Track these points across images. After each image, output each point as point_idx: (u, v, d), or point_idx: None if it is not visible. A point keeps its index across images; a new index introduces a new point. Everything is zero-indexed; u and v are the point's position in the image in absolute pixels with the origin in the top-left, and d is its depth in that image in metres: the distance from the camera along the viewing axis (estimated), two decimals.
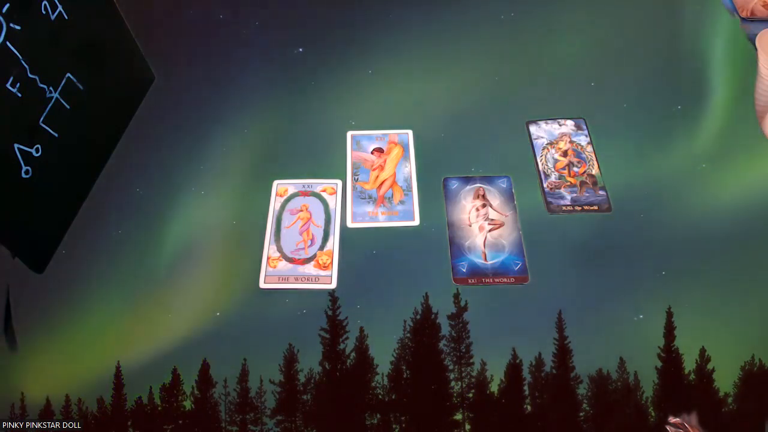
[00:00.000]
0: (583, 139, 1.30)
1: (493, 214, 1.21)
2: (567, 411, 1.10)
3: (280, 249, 1.18)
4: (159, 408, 1.12)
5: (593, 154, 1.28)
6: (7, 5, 0.95)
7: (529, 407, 1.11)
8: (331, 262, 1.15)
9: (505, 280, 1.13)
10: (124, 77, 1.31)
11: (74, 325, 1.17)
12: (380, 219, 1.20)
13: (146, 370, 1.14)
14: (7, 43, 0.95)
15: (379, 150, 1.30)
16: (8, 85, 0.97)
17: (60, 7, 1.07)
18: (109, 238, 1.24)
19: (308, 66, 1.46)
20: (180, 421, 1.12)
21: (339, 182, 1.27)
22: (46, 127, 1.07)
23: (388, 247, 1.20)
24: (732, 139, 1.30)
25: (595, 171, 1.25)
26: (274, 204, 1.24)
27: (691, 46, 1.45)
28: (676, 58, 1.43)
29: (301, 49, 1.48)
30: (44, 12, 1.04)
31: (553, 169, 1.26)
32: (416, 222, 1.20)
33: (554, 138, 1.31)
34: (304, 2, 1.58)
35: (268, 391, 1.12)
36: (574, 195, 1.22)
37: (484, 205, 1.22)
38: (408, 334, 1.14)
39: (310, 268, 1.15)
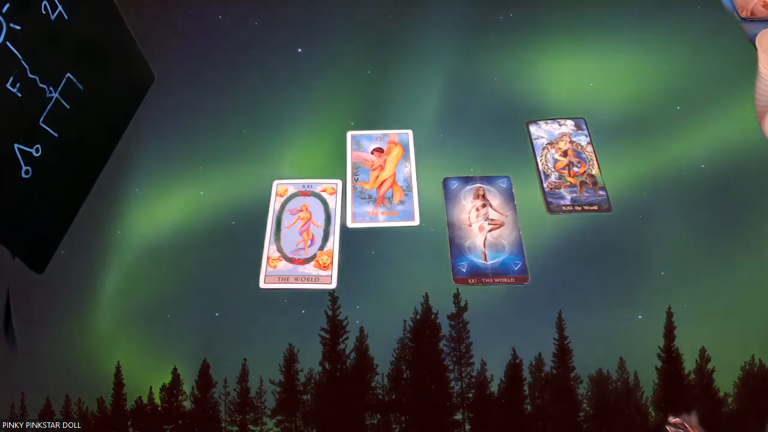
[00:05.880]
0: (583, 139, 1.30)
1: (493, 214, 1.21)
2: (567, 411, 1.10)
3: (280, 249, 1.18)
4: (159, 408, 1.11)
5: (593, 154, 1.28)
6: (7, 5, 0.95)
7: (529, 407, 1.11)
8: (331, 262, 1.15)
9: (505, 280, 1.13)
10: (124, 77, 1.31)
11: (74, 325, 1.16)
12: (380, 219, 1.20)
13: (146, 370, 1.14)
14: (7, 43, 0.95)
15: (379, 150, 1.30)
16: (8, 85, 0.97)
17: (60, 7, 1.07)
18: (110, 237, 1.24)
19: (308, 66, 1.46)
20: (180, 421, 1.12)
21: (339, 182, 1.27)
22: (46, 127, 1.07)
23: (388, 247, 1.20)
24: (732, 140, 1.30)
25: (595, 171, 1.25)
26: (274, 204, 1.24)
27: (691, 46, 1.45)
28: (676, 58, 1.43)
29: (301, 50, 1.48)
30: (44, 12, 1.04)
31: (553, 169, 1.26)
32: (416, 222, 1.20)
33: (554, 138, 1.31)
34: (303, 2, 1.58)
35: (268, 391, 1.12)
36: (574, 195, 1.22)
37: (484, 205, 1.22)
38: (408, 334, 1.14)
39: (310, 268, 1.15)
